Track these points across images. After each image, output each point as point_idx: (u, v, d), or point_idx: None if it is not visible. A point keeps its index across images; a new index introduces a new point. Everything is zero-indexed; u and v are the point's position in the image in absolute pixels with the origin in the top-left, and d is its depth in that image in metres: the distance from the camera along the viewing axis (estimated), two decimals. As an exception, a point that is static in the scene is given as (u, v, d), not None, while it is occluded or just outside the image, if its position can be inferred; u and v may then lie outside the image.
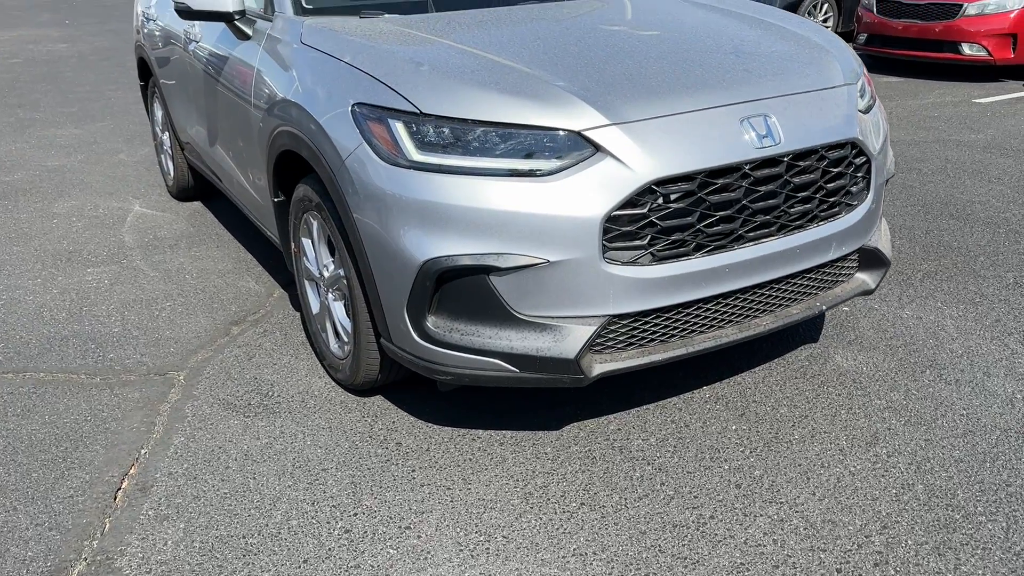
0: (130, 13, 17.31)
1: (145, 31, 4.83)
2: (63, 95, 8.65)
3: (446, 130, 2.31)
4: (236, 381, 3.05)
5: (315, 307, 3.07)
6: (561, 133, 2.28)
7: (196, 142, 4.24)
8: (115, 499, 2.43)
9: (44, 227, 4.72)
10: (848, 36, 10.05)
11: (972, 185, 5.06)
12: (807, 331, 3.28)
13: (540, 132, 2.28)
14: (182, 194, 5.06)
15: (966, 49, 8.26)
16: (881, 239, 2.88)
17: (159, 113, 5.03)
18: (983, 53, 8.20)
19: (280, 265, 4.09)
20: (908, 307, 3.48)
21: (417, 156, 2.31)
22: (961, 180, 5.16)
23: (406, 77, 2.42)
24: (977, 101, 7.50)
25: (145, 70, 5.09)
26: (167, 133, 4.90)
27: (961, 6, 8.23)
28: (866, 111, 2.77)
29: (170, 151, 4.94)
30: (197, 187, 4.97)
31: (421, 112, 2.32)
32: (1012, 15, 8.07)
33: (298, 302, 3.67)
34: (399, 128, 2.34)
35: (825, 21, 10.89)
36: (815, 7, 10.80)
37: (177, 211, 4.97)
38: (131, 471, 2.56)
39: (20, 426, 2.80)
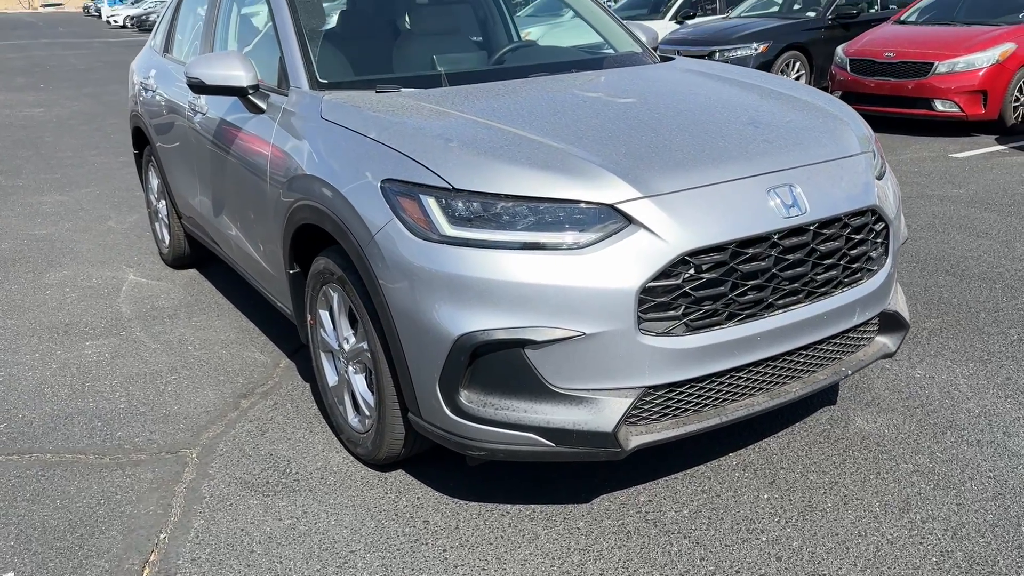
0: (105, 77, 17.39)
1: (143, 100, 4.83)
2: (45, 161, 8.59)
3: (478, 205, 2.31)
4: (251, 458, 2.98)
5: (332, 380, 3.03)
6: (593, 206, 2.29)
7: (198, 211, 4.21)
8: (137, 589, 2.34)
9: (37, 299, 4.63)
10: (822, 94, 10.30)
11: (962, 240, 5.15)
12: (824, 393, 3.28)
13: (572, 205, 2.29)
14: (178, 262, 5.01)
15: (939, 105, 8.50)
16: (899, 302, 2.91)
17: (155, 182, 5.00)
18: (955, 109, 8.44)
19: (284, 334, 4.04)
20: (919, 366, 3.51)
21: (450, 231, 2.31)
22: (951, 235, 5.26)
23: (436, 153, 2.42)
24: (954, 156, 7.70)
25: (141, 139, 5.07)
26: (163, 201, 4.87)
27: (932, 64, 8.48)
28: (880, 177, 2.82)
29: (166, 219, 4.90)
30: (193, 255, 4.93)
31: (453, 188, 2.32)
32: (981, 73, 8.33)
33: (307, 372, 3.62)
34: (431, 204, 2.33)
35: (798, 78, 11.19)
36: (787, 65, 11.10)
37: (173, 279, 4.91)
38: (151, 558, 2.47)
39: (31, 512, 2.70)
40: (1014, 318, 3.97)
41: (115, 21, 45.17)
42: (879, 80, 8.91)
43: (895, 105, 8.79)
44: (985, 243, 5.09)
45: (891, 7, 12.00)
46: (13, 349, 3.96)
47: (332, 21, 3.75)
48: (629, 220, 2.28)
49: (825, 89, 10.13)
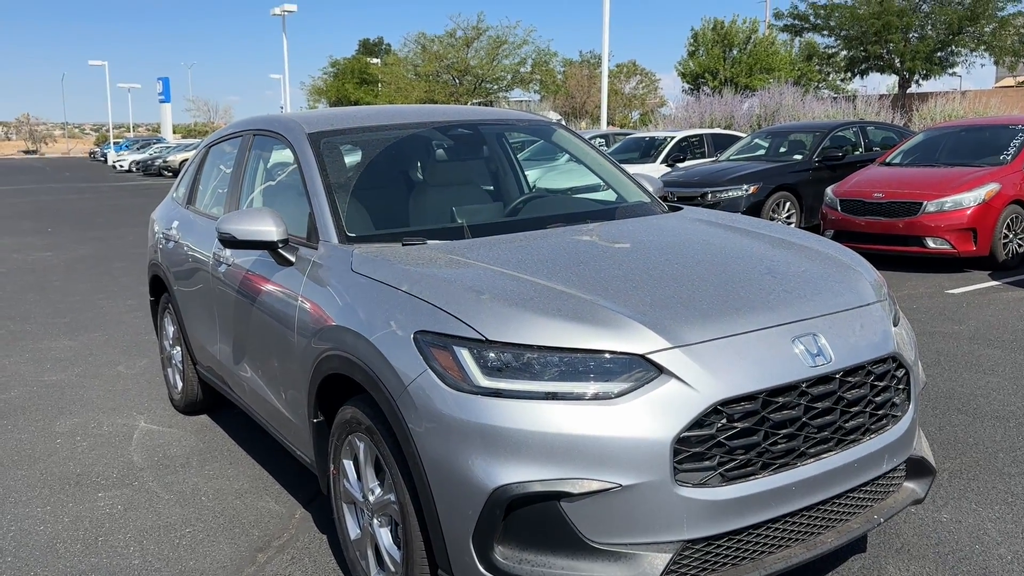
0: (112, 221, 17.80)
1: (163, 249, 4.95)
2: (53, 305, 8.68)
3: (512, 356, 2.36)
4: (271, 617, 2.89)
5: (354, 533, 2.98)
6: (625, 356, 2.33)
7: (216, 359, 4.24)
8: None
9: (47, 448, 4.59)
10: (811, 231, 10.62)
11: (970, 378, 5.20)
12: (855, 541, 3.22)
13: (604, 356, 2.34)
14: (189, 408, 5.00)
15: (930, 243, 8.76)
16: (923, 447, 2.92)
17: (171, 328, 5.06)
18: (946, 246, 8.69)
19: (299, 482, 3.99)
20: (944, 510, 3.47)
21: (484, 382, 2.34)
22: (958, 373, 5.30)
23: (468, 305, 2.49)
24: (950, 292, 7.86)
25: (158, 287, 5.17)
26: (179, 348, 4.91)
27: (921, 204, 8.80)
28: (895, 323, 2.89)
29: (180, 365, 4.92)
30: (205, 400, 4.93)
31: (487, 339, 2.37)
32: (968, 212, 8.64)
33: (323, 522, 3.55)
34: (465, 355, 2.38)
35: (788, 219, 11.55)
36: (778, 205, 11.48)
37: (184, 426, 4.88)
38: None
39: None
40: (1033, 458, 3.96)
41: (121, 166, 46.67)
42: (869, 219, 9.21)
43: (887, 243, 9.06)
44: (994, 380, 5.13)
45: (875, 149, 12.55)
46: (24, 502, 3.90)
47: (351, 176, 3.91)
48: (660, 370, 2.32)
49: (816, 228, 10.44)
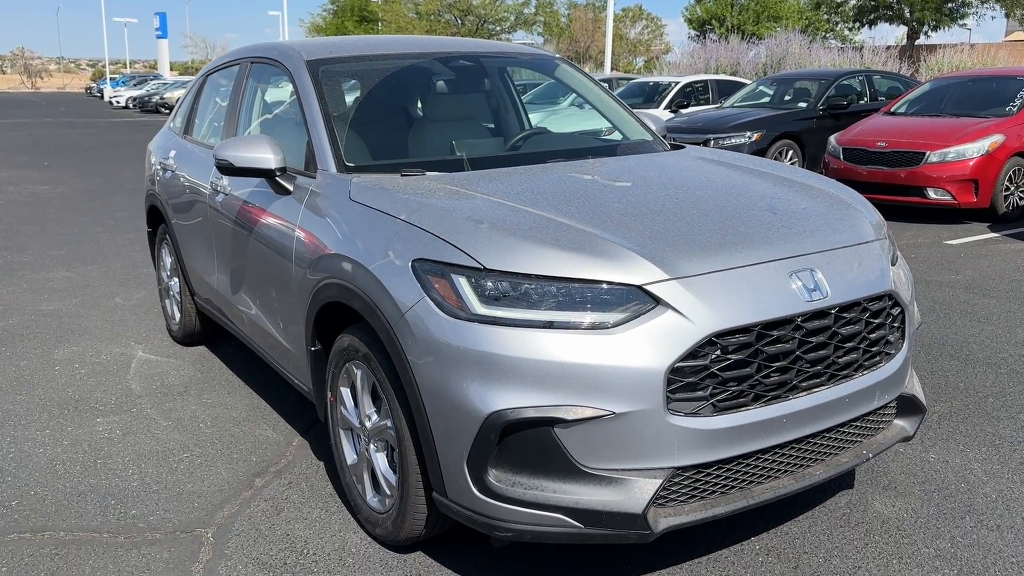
0: (109, 156, 17.66)
1: (161, 180, 4.92)
2: (50, 237, 8.66)
3: (508, 284, 2.36)
4: (268, 539, 2.95)
5: (350, 458, 3.02)
6: (622, 287, 2.34)
7: (214, 289, 4.25)
8: (156, 673, 2.29)
9: (46, 375, 4.62)
10: (815, 181, 10.57)
11: (964, 325, 5.23)
12: (842, 477, 3.28)
13: (601, 286, 2.34)
14: (187, 339, 5.02)
15: (931, 193, 8.72)
16: (915, 386, 2.95)
17: (168, 259, 5.06)
18: (947, 197, 8.66)
19: (296, 411, 4.03)
20: (932, 450, 3.52)
21: (481, 310, 2.35)
22: (952, 321, 5.33)
23: (467, 234, 2.49)
24: (948, 243, 7.86)
25: (156, 217, 5.15)
26: (176, 279, 4.91)
27: (924, 154, 8.74)
28: (893, 263, 2.89)
29: (178, 296, 4.93)
30: (203, 332, 4.95)
31: (484, 267, 2.38)
32: (971, 163, 8.59)
33: (320, 449, 3.60)
34: (463, 283, 2.38)
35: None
36: (780, 154, 11.40)
37: (182, 356, 4.91)
38: (170, 640, 2.42)
39: (45, 592, 2.66)
40: (1022, 403, 4.00)
41: (118, 102, 46.15)
42: (872, 168, 9.16)
43: (888, 193, 9.01)
44: (987, 328, 5.16)
45: (880, 99, 12.42)
46: (24, 425, 3.94)
47: (350, 105, 3.87)
48: (657, 301, 2.33)
49: (819, 176, 10.37)
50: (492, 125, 4.30)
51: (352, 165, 3.20)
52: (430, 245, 2.51)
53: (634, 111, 4.23)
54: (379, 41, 4.19)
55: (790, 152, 11.46)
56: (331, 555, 2.84)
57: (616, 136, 4.12)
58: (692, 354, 2.30)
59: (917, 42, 32.01)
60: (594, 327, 2.31)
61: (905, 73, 18.65)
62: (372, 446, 2.85)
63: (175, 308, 5.04)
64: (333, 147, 3.23)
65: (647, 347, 2.28)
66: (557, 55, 4.56)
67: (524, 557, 2.78)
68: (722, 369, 2.34)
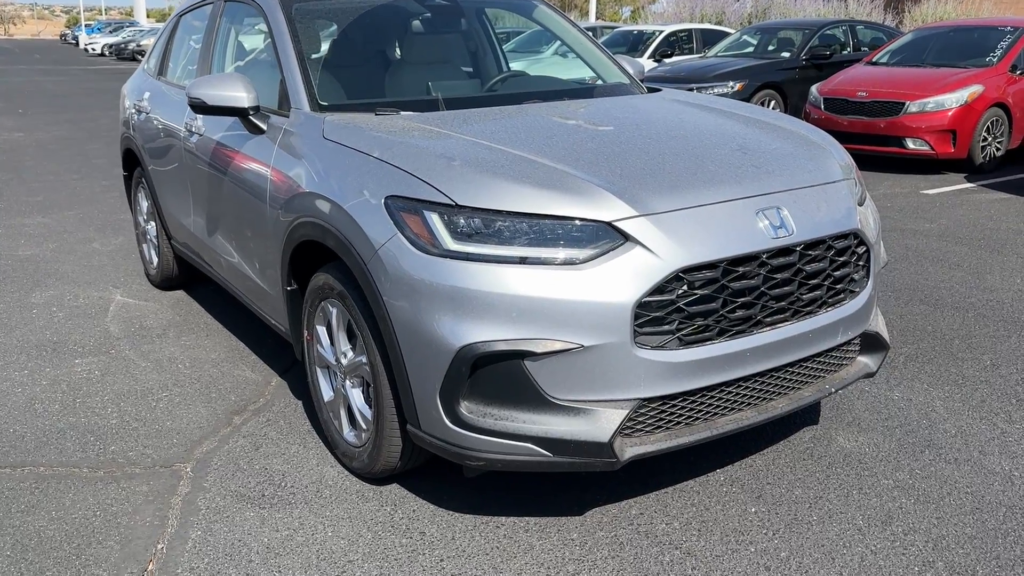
0: (84, 104, 17.38)
1: (135, 122, 4.88)
2: (26, 184, 8.57)
3: (480, 221, 2.39)
4: (246, 472, 3.01)
5: (327, 395, 3.07)
6: (591, 223, 2.38)
7: (190, 232, 4.25)
8: (136, 597, 2.36)
9: (24, 317, 4.63)
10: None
11: (935, 272, 5.32)
12: (807, 414, 3.37)
13: (571, 222, 2.38)
14: (165, 283, 5.03)
15: (910, 144, 8.77)
16: (879, 324, 3.02)
17: (144, 203, 5.04)
18: (926, 147, 8.71)
19: (274, 353, 4.07)
20: (896, 389, 3.62)
21: (453, 245, 2.38)
22: (924, 267, 5.42)
23: (439, 171, 2.51)
24: (925, 192, 7.93)
25: (131, 161, 5.12)
26: (153, 223, 4.90)
27: (903, 104, 8.76)
28: (861, 204, 2.94)
29: (155, 241, 4.93)
30: (181, 276, 4.96)
31: (456, 204, 2.40)
32: (950, 113, 8.62)
33: (298, 390, 3.65)
34: (435, 219, 2.41)
35: (772, 117, 11.47)
36: (762, 103, 11.38)
37: (160, 300, 4.93)
38: (150, 567, 2.49)
39: (26, 522, 2.71)
40: (986, 345, 4.10)
41: (93, 49, 45.20)
42: (852, 119, 9.18)
43: (868, 143, 9.05)
44: (957, 275, 5.25)
45: (863, 49, 12.39)
46: (2, 366, 3.96)
47: (325, 48, 3.85)
48: (625, 237, 2.37)
49: (799, 127, 10.37)
50: (469, 67, 4.28)
51: (326, 104, 3.20)
52: (402, 182, 2.53)
53: (612, 54, 4.22)
54: (355, -20, 4.14)
55: (772, 102, 11.44)
56: (308, 487, 2.91)
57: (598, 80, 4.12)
58: (659, 289, 2.35)
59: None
60: (564, 263, 2.35)
61: (890, 23, 18.56)
62: (348, 382, 2.90)
63: (152, 252, 5.04)
64: (307, 85, 3.22)
65: (615, 282, 2.33)
66: None
67: (496, 488, 2.86)
68: (688, 304, 2.39)
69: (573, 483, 2.88)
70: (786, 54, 12.09)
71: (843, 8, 20.64)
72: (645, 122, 3.20)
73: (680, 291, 2.38)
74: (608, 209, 2.39)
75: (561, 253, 2.36)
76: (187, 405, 3.56)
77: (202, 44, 4.23)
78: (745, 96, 11.08)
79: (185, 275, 4.96)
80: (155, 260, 5.00)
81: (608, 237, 2.38)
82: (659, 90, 3.93)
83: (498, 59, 4.48)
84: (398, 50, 3.97)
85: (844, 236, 2.72)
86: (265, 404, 3.56)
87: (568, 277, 2.33)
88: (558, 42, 4.60)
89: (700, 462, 3.02)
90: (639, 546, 2.56)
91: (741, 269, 2.46)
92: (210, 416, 3.46)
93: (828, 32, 12.57)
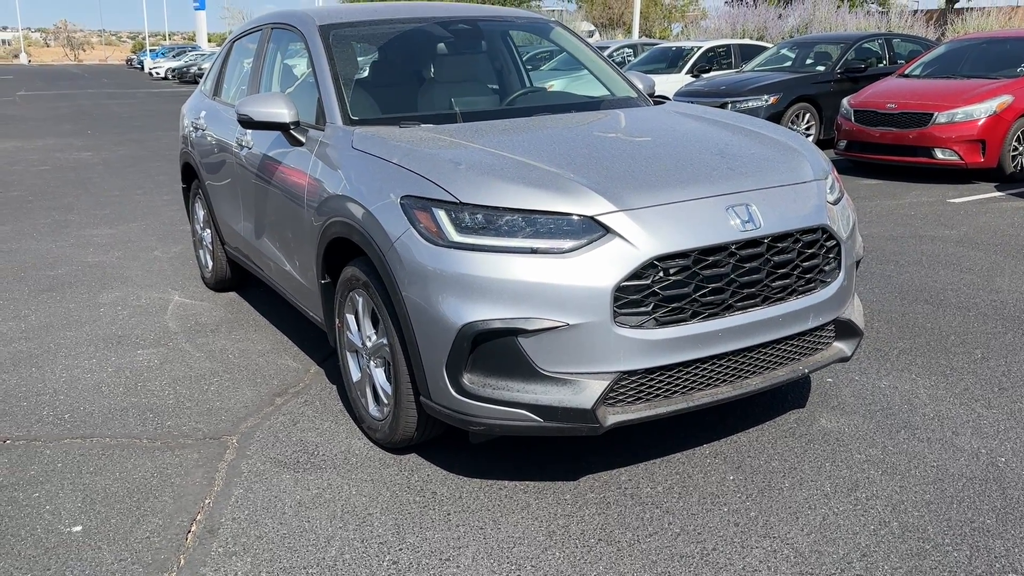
0: (148, 125, 18.28)
1: (193, 139, 5.38)
2: (94, 199, 9.22)
3: (480, 216, 2.76)
4: (284, 443, 3.41)
5: (355, 376, 3.46)
6: (577, 218, 2.73)
7: (241, 237, 4.70)
8: (187, 539, 2.76)
9: (92, 315, 5.13)
10: (830, 143, 10.76)
11: (945, 275, 5.52)
12: (796, 398, 3.65)
13: (559, 217, 2.74)
14: (219, 285, 5.50)
15: (939, 154, 8.91)
16: (854, 313, 3.30)
17: (200, 212, 5.52)
18: (955, 157, 8.84)
19: (315, 345, 4.49)
20: (885, 378, 3.87)
21: (456, 237, 2.75)
22: (935, 270, 5.62)
23: (446, 174, 2.89)
24: (951, 201, 8.07)
25: (189, 174, 5.62)
26: (208, 230, 5.38)
27: (932, 115, 8.91)
28: (835, 203, 3.23)
29: (210, 246, 5.40)
30: (234, 279, 5.42)
31: (460, 201, 2.78)
32: (979, 123, 8.75)
33: (334, 377, 4.05)
34: (441, 215, 2.79)
35: (808, 129, 11.66)
36: (797, 116, 11.58)
37: (215, 300, 5.40)
38: (198, 516, 2.89)
39: (94, 481, 3.14)
40: (980, 340, 4.32)
41: (157, 73, 47.02)
42: (882, 130, 9.35)
43: (897, 153, 9.22)
44: (967, 278, 5.45)
45: (899, 62, 12.49)
46: (74, 356, 4.45)
47: (366, 71, 4.27)
48: (606, 230, 2.71)
49: (832, 139, 10.56)
50: (492, 84, 4.66)
51: (357, 119, 3.61)
52: (416, 183, 2.91)
53: (622, 71, 4.57)
54: (387, 7, 4.58)
55: (807, 115, 11.63)
56: (337, 456, 3.29)
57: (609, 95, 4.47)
58: (636, 275, 2.69)
59: (958, 5, 31.38)
60: (552, 252, 2.70)
61: (932, 36, 18.52)
62: (372, 363, 3.29)
63: (208, 257, 5.52)
64: (340, 103, 3.63)
65: (597, 269, 2.67)
66: (552, 19, 4.90)
67: (499, 457, 3.21)
68: (663, 288, 2.72)
69: (571, 454, 3.22)
70: (822, 68, 12.26)
71: (885, 22, 20.63)
72: (639, 130, 3.54)
73: (655, 277, 2.71)
74: (591, 205, 2.74)
75: (550, 244, 2.71)
76: (235, 388, 3.98)
77: (252, 66, 4.69)
78: (780, 109, 11.30)
79: (237, 278, 5.43)
80: (210, 264, 5.48)
81: (592, 230, 2.72)
82: (663, 102, 4.26)
83: (521, 76, 4.86)
84: (424, 70, 4.38)
85: (812, 231, 3.01)
86: (304, 388, 3.97)
87: (556, 265, 2.68)
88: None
89: (688, 438, 3.32)
90: (624, 505, 2.88)
91: (712, 258, 2.78)
92: (255, 397, 3.87)
93: (865, 46, 12.71)
